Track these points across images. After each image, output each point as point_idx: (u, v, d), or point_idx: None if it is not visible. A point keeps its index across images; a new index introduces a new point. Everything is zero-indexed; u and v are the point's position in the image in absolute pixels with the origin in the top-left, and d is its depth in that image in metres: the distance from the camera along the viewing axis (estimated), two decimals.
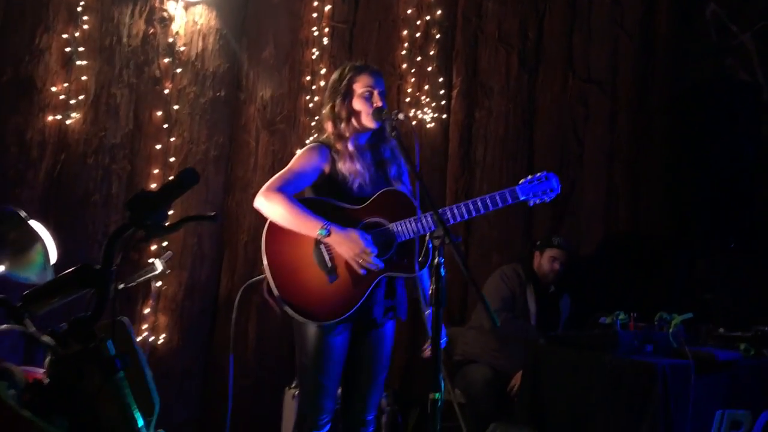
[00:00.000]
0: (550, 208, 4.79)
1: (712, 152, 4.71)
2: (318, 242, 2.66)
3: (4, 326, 1.65)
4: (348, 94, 2.77)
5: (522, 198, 2.69)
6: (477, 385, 3.96)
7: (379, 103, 2.74)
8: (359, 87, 2.77)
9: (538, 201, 2.71)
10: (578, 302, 4.48)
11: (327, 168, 2.76)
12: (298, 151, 2.84)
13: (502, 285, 4.20)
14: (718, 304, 4.42)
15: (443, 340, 2.62)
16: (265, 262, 2.66)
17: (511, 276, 4.23)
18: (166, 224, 1.67)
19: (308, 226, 2.62)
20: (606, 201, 4.89)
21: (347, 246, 2.60)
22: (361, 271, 2.62)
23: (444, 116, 4.74)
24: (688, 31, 4.99)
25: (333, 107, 2.79)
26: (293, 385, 3.91)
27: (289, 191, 2.69)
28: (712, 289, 4.55)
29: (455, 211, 2.66)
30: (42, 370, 1.68)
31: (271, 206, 2.65)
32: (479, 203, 2.68)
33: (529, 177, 2.72)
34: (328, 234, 2.60)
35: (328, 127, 2.82)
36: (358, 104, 2.77)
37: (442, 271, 2.20)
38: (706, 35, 4.96)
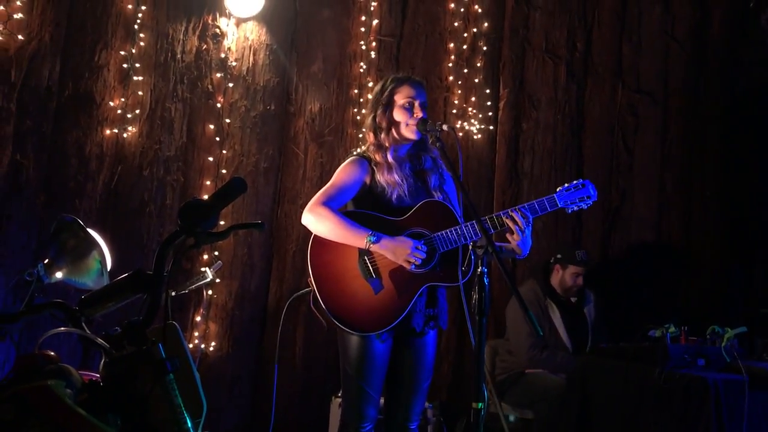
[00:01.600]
0: (600, 218, 4.74)
1: (767, 160, 4.59)
2: (362, 254, 2.71)
3: (62, 329, 1.72)
4: (389, 105, 2.83)
5: (560, 205, 2.69)
6: (555, 389, 3.82)
7: (420, 114, 2.77)
8: (400, 98, 2.82)
9: (576, 208, 2.71)
10: (625, 313, 4.41)
11: (367, 180, 2.82)
12: (340, 166, 2.88)
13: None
14: None
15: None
16: (311, 275, 2.72)
17: (532, 301, 4.13)
18: (216, 232, 1.73)
19: (356, 237, 2.66)
20: (657, 211, 4.80)
21: (399, 250, 2.63)
22: (408, 277, 2.65)
23: (491, 128, 4.74)
24: (742, 40, 4.88)
25: (374, 117, 2.85)
26: (339, 394, 3.94)
27: (334, 206, 2.74)
28: None
29: (495, 220, 2.66)
30: (97, 374, 1.75)
31: (318, 221, 2.70)
32: (520, 210, 2.67)
33: (566, 185, 2.73)
34: (378, 240, 2.63)
35: (369, 137, 2.88)
36: (398, 115, 2.82)
37: (486, 281, 2.21)
38: (762, 43, 4.84)
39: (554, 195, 2.70)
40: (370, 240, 2.64)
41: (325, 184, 2.85)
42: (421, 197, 2.80)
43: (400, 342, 2.77)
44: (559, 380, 3.91)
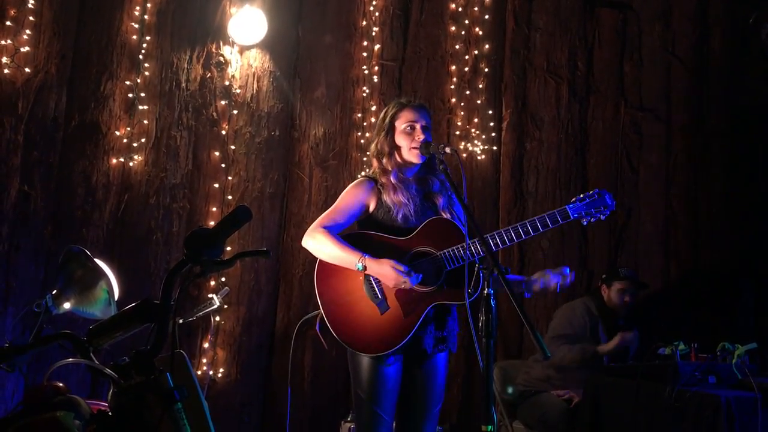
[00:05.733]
0: (606, 237, 4.73)
1: None
2: (367, 275, 2.71)
3: (70, 359, 1.72)
4: (390, 130, 2.85)
5: (574, 216, 2.65)
6: (554, 412, 3.85)
7: (421, 137, 2.79)
8: (401, 123, 2.84)
9: (592, 220, 2.67)
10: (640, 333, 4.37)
11: (373, 201, 2.83)
12: (348, 187, 2.90)
13: (566, 324, 4.06)
14: None
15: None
16: (318, 298, 2.73)
17: (581, 315, 4.08)
18: (221, 260, 1.73)
19: (347, 261, 2.68)
20: (664, 228, 4.78)
21: (387, 277, 2.64)
22: (413, 298, 2.64)
23: (495, 148, 4.76)
24: (743, 55, 4.89)
25: (377, 144, 2.88)
26: (349, 419, 3.93)
27: (334, 228, 2.76)
28: None
29: (504, 236, 2.65)
30: (107, 404, 1.75)
31: (314, 244, 2.74)
32: (528, 226, 2.64)
33: (581, 195, 2.69)
34: (364, 268, 2.65)
35: (374, 163, 2.90)
36: (400, 139, 2.84)
37: (492, 302, 2.20)
38: (763, 58, 4.86)
39: (566, 207, 2.66)
40: (358, 268, 2.66)
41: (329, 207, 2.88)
42: (428, 218, 2.80)
43: (411, 365, 2.76)
44: (560, 403, 3.89)
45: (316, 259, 2.79)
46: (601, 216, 2.67)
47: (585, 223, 2.69)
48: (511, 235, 2.64)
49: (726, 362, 3.26)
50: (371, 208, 2.83)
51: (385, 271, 2.63)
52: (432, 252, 2.71)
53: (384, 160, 2.84)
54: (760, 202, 4.67)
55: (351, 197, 2.84)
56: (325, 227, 2.75)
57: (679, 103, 4.89)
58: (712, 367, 3.23)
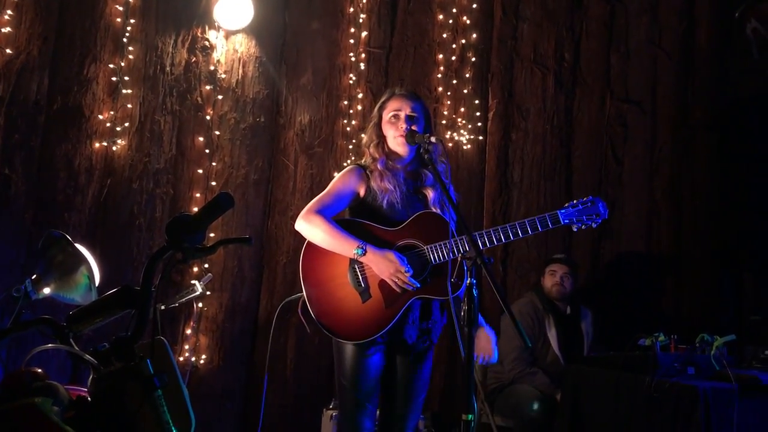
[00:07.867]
0: (590, 228, 4.72)
1: (757, 169, 4.62)
2: (352, 263, 2.71)
3: (49, 345, 1.71)
4: (379, 120, 2.89)
5: (565, 222, 2.67)
6: (529, 402, 3.88)
7: (404, 126, 2.79)
8: (387, 112, 2.86)
9: (583, 226, 2.67)
10: (616, 322, 4.41)
11: (363, 188, 2.83)
12: (337, 174, 2.91)
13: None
14: (766, 325, 4.30)
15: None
16: (301, 279, 2.74)
17: (528, 313, 4.13)
18: (203, 246, 1.73)
19: (345, 246, 2.68)
20: (647, 220, 4.81)
21: (384, 265, 2.64)
22: (396, 290, 2.65)
23: (480, 138, 4.76)
24: (728, 49, 4.92)
25: (368, 133, 2.92)
26: (331, 406, 3.94)
27: (328, 213, 2.76)
28: (759, 310, 4.42)
29: (492, 235, 2.66)
30: (86, 390, 1.74)
31: (310, 228, 2.72)
32: (518, 228, 2.65)
33: (574, 201, 2.70)
34: (364, 253, 2.64)
35: (365, 152, 2.92)
36: (385, 128, 2.86)
37: (475, 292, 2.21)
38: (748, 53, 4.89)
39: (558, 211, 2.68)
40: (357, 252, 2.65)
41: (316, 195, 2.88)
42: (415, 209, 2.80)
43: (395, 355, 2.77)
44: (535, 392, 3.93)
45: (300, 246, 2.79)
46: (593, 224, 2.68)
47: (575, 230, 2.70)
48: (499, 235, 2.66)
49: (705, 353, 3.30)
50: (361, 194, 2.83)
51: (386, 262, 2.63)
52: (418, 245, 2.72)
53: (372, 149, 2.86)
54: (743, 195, 4.71)
55: (342, 184, 2.84)
56: (318, 212, 2.74)
57: (664, 95, 4.91)
58: (691, 358, 3.27)
